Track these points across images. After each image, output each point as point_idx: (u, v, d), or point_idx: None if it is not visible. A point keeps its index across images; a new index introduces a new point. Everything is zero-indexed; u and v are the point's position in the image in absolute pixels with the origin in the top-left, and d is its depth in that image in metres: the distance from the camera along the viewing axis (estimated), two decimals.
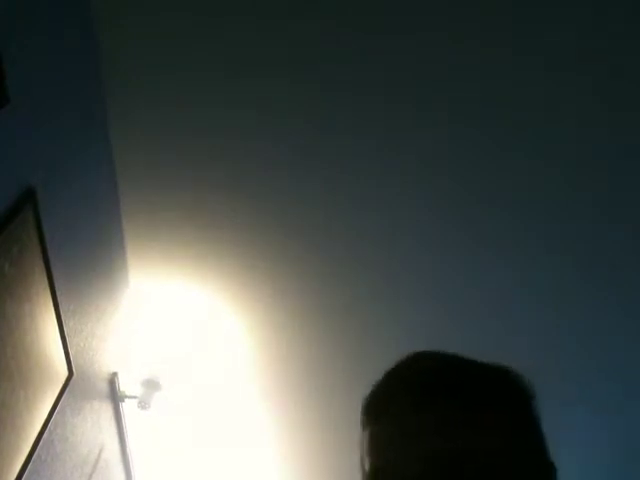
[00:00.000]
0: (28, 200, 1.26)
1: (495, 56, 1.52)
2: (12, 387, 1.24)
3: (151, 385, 2.18)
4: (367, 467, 0.57)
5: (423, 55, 1.53)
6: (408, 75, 1.56)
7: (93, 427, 1.84)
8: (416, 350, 0.60)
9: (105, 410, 1.99)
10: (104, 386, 1.95)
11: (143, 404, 2.12)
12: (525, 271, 1.83)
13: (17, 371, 1.26)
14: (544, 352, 1.90)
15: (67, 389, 1.52)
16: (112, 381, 2.02)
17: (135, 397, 2.13)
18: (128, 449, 2.24)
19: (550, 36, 1.48)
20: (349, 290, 1.95)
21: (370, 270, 1.90)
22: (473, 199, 1.73)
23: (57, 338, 1.46)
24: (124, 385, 2.11)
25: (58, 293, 1.43)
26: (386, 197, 1.75)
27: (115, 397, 2.06)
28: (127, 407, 2.16)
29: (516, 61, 1.52)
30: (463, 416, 0.51)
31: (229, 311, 2.05)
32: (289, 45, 1.55)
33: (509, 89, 1.55)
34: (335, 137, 1.67)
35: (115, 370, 2.03)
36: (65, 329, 1.48)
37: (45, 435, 1.40)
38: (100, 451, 1.93)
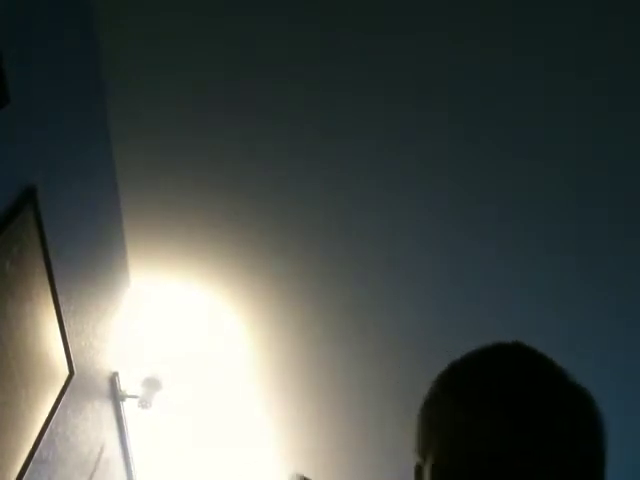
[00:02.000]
0: (28, 200, 1.26)
1: (495, 56, 1.52)
2: (13, 386, 1.24)
3: (152, 384, 2.18)
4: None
5: (423, 55, 1.53)
6: (408, 75, 1.56)
7: (94, 426, 1.84)
8: (498, 343, 0.57)
9: (106, 409, 1.99)
10: (105, 385, 1.95)
11: (144, 403, 2.12)
12: (525, 271, 1.83)
13: (18, 371, 1.26)
14: (544, 352, 1.90)
15: (68, 388, 1.52)
16: (113, 380, 2.02)
17: (136, 396, 2.13)
18: (129, 448, 2.25)
19: (550, 36, 1.48)
20: (349, 290, 1.95)
21: (370, 270, 1.90)
22: (473, 199, 1.73)
23: (58, 337, 1.46)
24: (125, 384, 2.11)
25: (59, 293, 1.43)
26: (386, 197, 1.76)
27: (116, 396, 2.07)
28: (128, 406, 2.17)
29: (516, 61, 1.52)
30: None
31: (229, 311, 2.05)
32: (289, 45, 1.55)
33: (509, 89, 1.55)
34: (335, 137, 1.67)
35: (116, 369, 2.04)
36: (66, 328, 1.49)
37: (46, 434, 1.40)
38: (101, 450, 1.93)
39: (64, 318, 1.47)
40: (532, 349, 0.59)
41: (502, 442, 0.50)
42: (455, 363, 0.60)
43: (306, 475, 2.72)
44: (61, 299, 1.45)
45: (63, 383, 1.50)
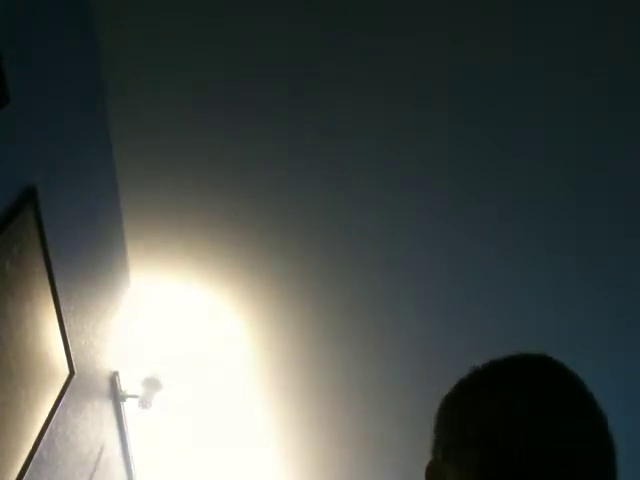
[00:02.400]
0: (28, 200, 1.26)
1: (495, 56, 1.52)
2: (13, 386, 1.24)
3: (152, 384, 2.19)
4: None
5: (423, 55, 1.53)
6: (408, 75, 1.56)
7: (94, 426, 1.84)
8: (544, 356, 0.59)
9: (106, 409, 1.99)
10: (105, 385, 1.95)
11: (144, 403, 2.12)
12: (525, 271, 1.83)
13: (18, 370, 1.26)
14: (544, 352, 1.90)
15: (68, 388, 1.52)
16: (113, 380, 2.02)
17: (136, 396, 2.13)
18: (129, 448, 2.24)
19: (550, 36, 1.48)
20: (349, 290, 1.95)
21: (370, 270, 1.90)
22: (473, 199, 1.73)
23: (58, 337, 1.46)
24: (125, 384, 2.11)
25: (59, 293, 1.43)
26: (386, 197, 1.76)
27: (116, 396, 2.07)
28: (128, 406, 2.17)
29: (516, 61, 1.52)
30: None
31: (229, 311, 2.05)
32: (289, 45, 1.55)
33: (509, 89, 1.55)
34: (335, 137, 1.67)
35: (116, 369, 2.04)
36: (66, 328, 1.49)
37: (46, 434, 1.40)
38: (101, 450, 1.93)
39: (64, 318, 1.47)
40: (555, 360, 0.59)
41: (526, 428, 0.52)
42: (476, 368, 0.61)
43: (306, 475, 2.71)
44: (61, 299, 1.45)
45: (63, 383, 1.50)
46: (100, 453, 1.92)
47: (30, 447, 1.34)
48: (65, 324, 1.48)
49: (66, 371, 1.52)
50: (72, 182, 1.52)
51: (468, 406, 0.58)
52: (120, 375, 2.06)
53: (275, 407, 2.31)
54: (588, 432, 0.54)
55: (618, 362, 1.96)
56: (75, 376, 1.56)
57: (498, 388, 0.57)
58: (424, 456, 0.65)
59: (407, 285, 1.92)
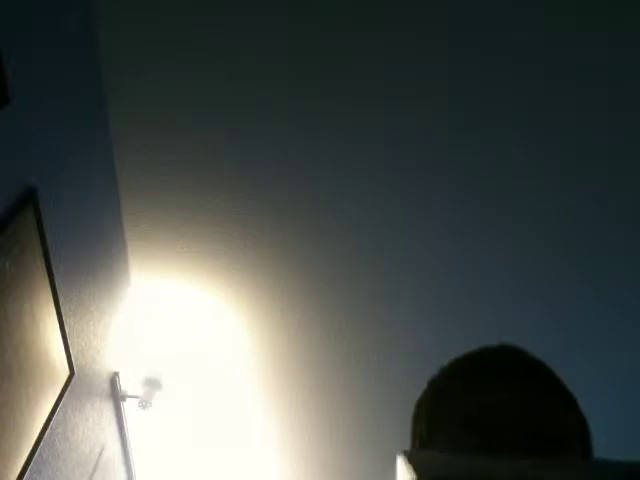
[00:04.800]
0: (28, 200, 1.27)
1: (495, 57, 1.52)
2: (14, 386, 1.25)
3: (152, 384, 2.18)
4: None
5: (423, 55, 1.53)
6: (409, 75, 1.56)
7: (94, 426, 1.84)
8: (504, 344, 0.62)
9: (106, 409, 1.99)
10: (105, 385, 1.95)
11: (144, 403, 2.12)
12: (525, 271, 1.83)
13: (18, 371, 1.26)
14: (544, 353, 1.90)
15: (68, 388, 1.53)
16: (113, 380, 2.02)
17: (136, 396, 2.13)
18: (129, 448, 2.25)
19: (550, 37, 1.48)
20: (349, 290, 1.95)
21: (370, 270, 1.90)
22: (473, 199, 1.73)
23: (58, 337, 1.46)
24: (125, 384, 2.11)
25: (59, 292, 1.43)
26: (386, 197, 1.76)
27: (116, 396, 2.07)
28: (128, 406, 2.17)
29: (516, 61, 1.52)
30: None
31: (230, 310, 2.05)
32: (289, 45, 1.55)
33: (509, 89, 1.55)
34: (335, 137, 1.67)
35: (116, 369, 2.04)
36: (66, 328, 1.49)
37: (46, 434, 1.41)
38: (101, 450, 1.93)
39: (64, 318, 1.47)
40: (515, 346, 0.62)
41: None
42: (444, 367, 0.64)
43: (306, 475, 2.70)
44: (61, 299, 1.45)
45: (63, 383, 1.50)
46: (100, 453, 1.92)
47: (31, 447, 1.34)
48: (65, 324, 1.48)
49: (66, 371, 1.52)
50: (72, 182, 1.52)
51: (439, 394, 0.62)
52: (120, 375, 2.06)
53: (275, 407, 2.31)
54: (555, 407, 0.55)
55: (618, 362, 1.96)
56: (75, 376, 1.56)
57: (464, 378, 0.61)
58: None
59: (407, 285, 1.92)
